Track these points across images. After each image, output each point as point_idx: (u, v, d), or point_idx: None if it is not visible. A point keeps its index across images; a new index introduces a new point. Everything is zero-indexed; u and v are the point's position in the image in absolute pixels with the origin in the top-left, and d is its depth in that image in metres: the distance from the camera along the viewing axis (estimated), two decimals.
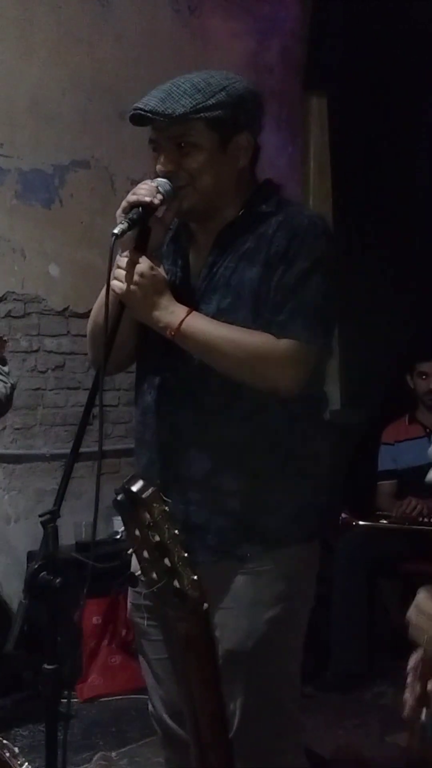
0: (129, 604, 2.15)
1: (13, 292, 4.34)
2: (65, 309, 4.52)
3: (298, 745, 2.07)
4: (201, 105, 1.87)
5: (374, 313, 5.31)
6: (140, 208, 1.86)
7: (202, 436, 1.93)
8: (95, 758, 3.34)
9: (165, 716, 2.10)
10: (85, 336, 4.94)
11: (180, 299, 1.95)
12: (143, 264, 1.88)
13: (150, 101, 1.89)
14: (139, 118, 1.91)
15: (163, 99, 1.87)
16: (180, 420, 1.95)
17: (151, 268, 1.88)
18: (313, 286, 1.88)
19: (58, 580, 1.68)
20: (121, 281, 1.87)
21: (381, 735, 3.64)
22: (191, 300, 1.96)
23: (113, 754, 3.41)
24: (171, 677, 2.02)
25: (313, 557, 2.05)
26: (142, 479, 1.47)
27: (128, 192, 4.70)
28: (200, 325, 1.87)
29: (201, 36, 5.10)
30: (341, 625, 4.22)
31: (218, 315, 1.92)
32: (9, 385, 3.23)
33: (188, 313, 1.87)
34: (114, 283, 1.87)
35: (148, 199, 1.86)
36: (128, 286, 1.86)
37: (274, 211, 1.96)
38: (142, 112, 1.89)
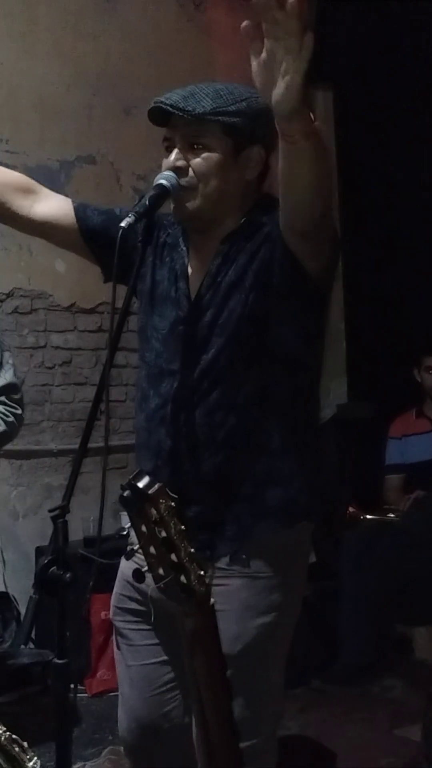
0: (112, 607, 2.14)
1: (20, 288, 4.35)
2: (72, 305, 4.53)
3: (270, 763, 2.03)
4: (221, 109, 1.89)
5: (382, 308, 5.31)
6: (147, 201, 1.87)
7: (211, 430, 1.94)
8: (104, 752, 3.35)
9: (132, 728, 2.10)
10: (92, 331, 4.96)
11: (182, 309, 1.98)
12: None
13: (172, 97, 1.90)
14: (158, 113, 1.92)
15: (185, 97, 1.89)
16: (185, 422, 1.96)
17: None
18: None
19: (68, 575, 1.67)
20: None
21: (389, 728, 3.64)
22: (194, 309, 1.97)
23: (122, 748, 3.42)
24: (148, 684, 2.04)
25: (308, 537, 2.05)
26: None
27: (134, 187, 4.70)
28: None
29: (206, 30, 5.09)
30: (349, 617, 4.22)
31: (222, 322, 1.94)
32: (10, 420, 3.10)
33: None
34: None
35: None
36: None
37: (269, 221, 1.95)
38: (164, 106, 1.90)
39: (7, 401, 3.12)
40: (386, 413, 4.78)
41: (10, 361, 3.19)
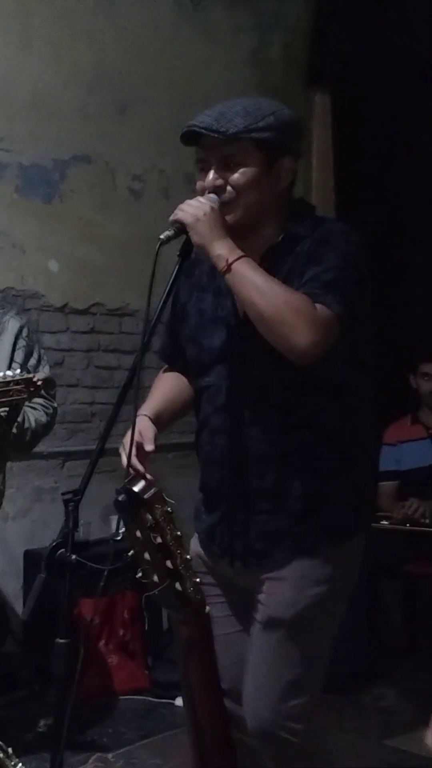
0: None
1: (13, 288, 4.30)
2: (64, 305, 4.48)
3: (319, 729, 2.20)
4: (252, 126, 2.00)
5: (377, 313, 5.26)
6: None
7: (269, 448, 2.06)
8: (92, 759, 3.30)
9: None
10: (84, 332, 4.91)
11: (231, 327, 2.09)
12: (212, 204, 1.99)
13: (204, 119, 2.01)
14: (192, 135, 2.03)
15: (216, 118, 2.01)
16: (247, 436, 2.07)
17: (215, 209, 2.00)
18: (342, 273, 2.02)
19: (74, 557, 1.72)
20: (189, 212, 1.97)
21: (380, 738, 3.61)
22: (244, 326, 2.05)
23: (110, 755, 3.38)
24: (229, 653, 2.10)
25: (361, 545, 2.19)
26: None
27: (129, 187, 4.70)
28: (253, 266, 1.97)
29: (203, 30, 5.04)
30: (341, 624, 4.17)
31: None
32: (50, 411, 3.26)
33: (244, 255, 1.97)
34: (181, 213, 1.97)
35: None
36: (199, 214, 1.96)
37: (309, 233, 2.07)
38: (197, 128, 2.01)
39: (45, 395, 3.23)
40: (381, 419, 4.74)
41: (45, 358, 3.41)
